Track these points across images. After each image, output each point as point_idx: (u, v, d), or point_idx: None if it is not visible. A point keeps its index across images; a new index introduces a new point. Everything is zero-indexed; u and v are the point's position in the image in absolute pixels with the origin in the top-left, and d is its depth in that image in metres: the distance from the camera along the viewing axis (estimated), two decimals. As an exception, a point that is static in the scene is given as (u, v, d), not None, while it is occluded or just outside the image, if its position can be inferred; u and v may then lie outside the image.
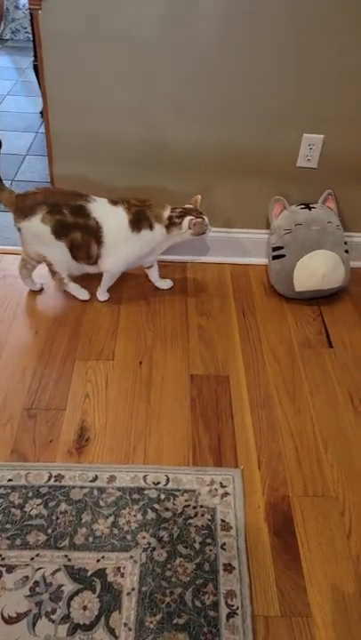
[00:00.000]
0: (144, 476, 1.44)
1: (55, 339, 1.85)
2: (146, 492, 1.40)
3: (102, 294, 2.01)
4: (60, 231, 1.79)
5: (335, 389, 1.73)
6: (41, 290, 2.04)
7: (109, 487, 1.41)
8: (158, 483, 1.42)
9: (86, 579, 1.23)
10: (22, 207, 1.79)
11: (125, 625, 1.16)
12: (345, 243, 2.05)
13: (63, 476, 1.43)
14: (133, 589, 1.22)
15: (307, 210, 2.05)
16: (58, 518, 1.33)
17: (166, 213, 1.85)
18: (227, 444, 1.54)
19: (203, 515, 1.36)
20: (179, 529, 1.33)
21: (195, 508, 1.37)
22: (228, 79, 1.88)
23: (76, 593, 1.21)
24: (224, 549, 1.30)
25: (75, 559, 1.27)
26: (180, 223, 1.84)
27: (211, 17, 1.76)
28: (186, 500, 1.39)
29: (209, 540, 1.31)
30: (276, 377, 1.76)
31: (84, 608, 1.19)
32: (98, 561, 1.27)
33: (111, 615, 1.18)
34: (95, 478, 1.43)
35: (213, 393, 1.70)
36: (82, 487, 1.41)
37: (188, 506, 1.38)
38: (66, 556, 1.27)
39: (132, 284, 2.13)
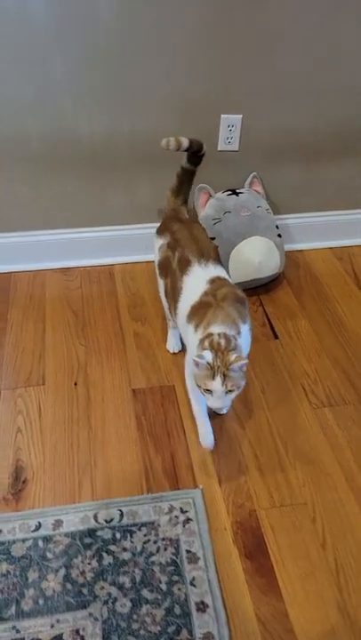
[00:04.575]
0: (94, 515, 1.27)
1: (-25, 369, 1.64)
2: (98, 533, 1.24)
3: None
4: None
5: (287, 384, 1.63)
6: None
7: (56, 534, 1.23)
8: (111, 520, 1.26)
9: (41, 650, 1.06)
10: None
11: None
12: (276, 227, 1.95)
13: (0, 531, 1.24)
14: (98, 653, 1.06)
15: (234, 196, 1.93)
16: (-1, 583, 1.15)
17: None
18: (182, 464, 1.40)
19: (166, 549, 1.22)
20: (141, 571, 1.18)
21: (155, 542, 1.23)
22: (135, 61, 1.71)
23: (31, 670, 1.04)
24: (194, 585, 1.16)
25: (25, 629, 1.09)
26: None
27: (106, -8, 1.58)
28: (145, 535, 1.24)
29: (176, 578, 1.17)
30: (224, 379, 1.63)
31: None
32: (52, 626, 1.09)
33: None
34: (38, 526, 1.25)
35: (160, 407, 1.55)
36: (24, 540, 1.22)
37: (148, 541, 1.23)
38: (14, 627, 1.09)
39: (53, 292, 1.94)
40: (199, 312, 1.30)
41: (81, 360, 1.68)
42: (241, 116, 1.86)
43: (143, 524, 1.26)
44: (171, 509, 1.28)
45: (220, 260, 1.48)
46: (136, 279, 2.02)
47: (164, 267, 1.52)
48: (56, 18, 1.61)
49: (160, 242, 1.57)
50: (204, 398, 1.25)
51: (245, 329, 1.29)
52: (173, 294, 1.44)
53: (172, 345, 1.71)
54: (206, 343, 1.20)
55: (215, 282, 1.35)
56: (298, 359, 1.71)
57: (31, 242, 2.01)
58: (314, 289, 1.99)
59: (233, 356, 1.16)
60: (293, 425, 1.51)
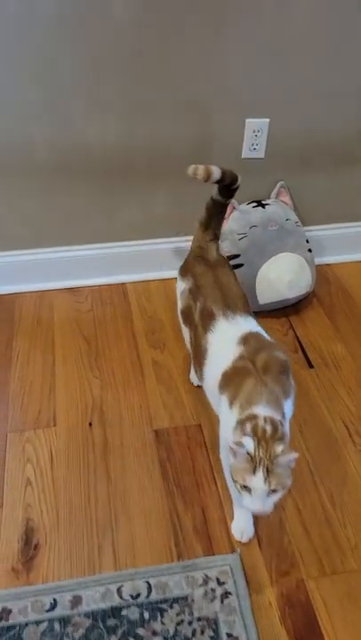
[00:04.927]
0: (118, 589, 1.10)
1: (-23, 408, 1.46)
2: (124, 612, 1.07)
3: None
4: None
5: (327, 420, 1.45)
6: None
7: (75, 614, 1.06)
8: (138, 595, 1.09)
9: None
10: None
11: None
12: (307, 241, 1.77)
13: (10, 611, 1.07)
14: None
15: (260, 208, 1.75)
16: None
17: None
18: (215, 520, 1.23)
19: (203, 631, 1.04)
20: (175, 660, 1.01)
21: (191, 623, 1.05)
22: (150, 62, 1.54)
23: None
24: None
25: None
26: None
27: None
28: (177, 615, 1.06)
29: (217, 669, 1.00)
30: (255, 415, 1.46)
31: None
32: None
33: None
34: (54, 605, 1.08)
35: (187, 450, 1.38)
36: (37, 622, 1.05)
37: (182, 622, 1.06)
38: None
39: (62, 315, 1.77)
40: (234, 381, 1.07)
41: (95, 396, 1.51)
42: (268, 120, 1.68)
43: (175, 600, 1.08)
44: (206, 580, 1.11)
45: (249, 309, 1.24)
46: (152, 299, 1.85)
47: (187, 316, 1.29)
48: (64, 17, 1.43)
49: (182, 285, 1.33)
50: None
51: (288, 405, 1.07)
52: (198, 354, 1.21)
53: (193, 376, 1.53)
54: (248, 427, 0.97)
55: (250, 341, 1.12)
56: (337, 391, 1.53)
57: (37, 260, 1.84)
58: (347, 307, 1.82)
59: (280, 448, 0.94)
60: (338, 472, 1.33)
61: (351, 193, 1.88)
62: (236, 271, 1.68)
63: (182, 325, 1.36)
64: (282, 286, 1.70)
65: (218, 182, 1.30)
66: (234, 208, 1.77)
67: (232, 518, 1.22)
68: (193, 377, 1.53)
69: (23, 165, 1.65)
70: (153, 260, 1.88)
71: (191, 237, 1.43)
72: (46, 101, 1.55)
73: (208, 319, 1.19)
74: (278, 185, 1.80)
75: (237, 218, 1.74)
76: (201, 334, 1.19)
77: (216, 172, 1.27)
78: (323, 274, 1.94)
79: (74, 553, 1.17)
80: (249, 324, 1.17)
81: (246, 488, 0.96)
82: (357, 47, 1.60)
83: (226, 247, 1.74)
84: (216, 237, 1.39)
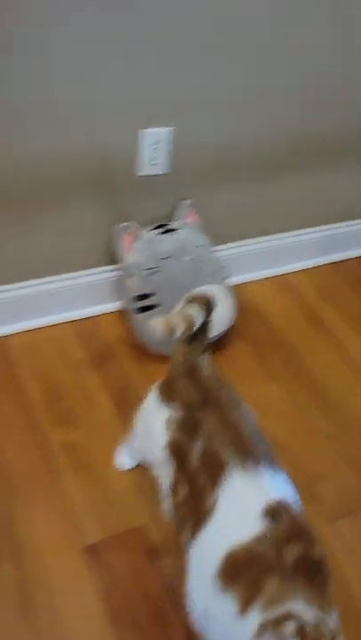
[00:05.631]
0: None
1: None
2: None
3: None
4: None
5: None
6: None
7: None
8: None
9: None
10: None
11: None
12: (221, 267, 1.53)
13: None
14: None
15: (168, 234, 1.46)
16: None
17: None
18: (191, 669, 0.95)
19: None
20: None
21: None
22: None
23: None
24: None
25: None
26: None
27: None
28: None
29: None
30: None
31: None
32: None
33: None
34: None
35: (132, 566, 1.06)
36: None
37: None
38: None
39: None
40: (248, 575, 0.74)
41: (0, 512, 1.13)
42: (171, 128, 1.39)
43: None
44: None
45: (273, 455, 0.90)
46: (43, 354, 1.47)
47: (176, 453, 0.92)
48: None
49: (166, 412, 0.96)
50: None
51: (333, 618, 0.75)
52: (191, 510, 0.86)
53: (123, 459, 1.22)
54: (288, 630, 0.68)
55: (280, 516, 0.78)
56: (280, 443, 1.32)
57: None
58: (271, 337, 1.62)
59: None
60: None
61: (264, 206, 1.67)
62: (148, 313, 1.41)
63: (159, 462, 0.96)
64: (205, 325, 1.44)
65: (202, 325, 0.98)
66: (136, 236, 1.46)
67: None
68: (120, 459, 1.22)
69: None
70: (37, 304, 1.50)
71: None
72: None
73: (215, 469, 0.85)
74: (185, 204, 1.52)
75: (143, 249, 1.44)
76: (203, 487, 0.85)
77: (196, 316, 0.95)
78: (238, 298, 1.72)
79: None
80: (277, 484, 0.85)
81: None
82: (280, 47, 1.37)
83: (133, 285, 1.43)
84: (205, 349, 1.03)
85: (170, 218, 1.53)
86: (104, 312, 1.60)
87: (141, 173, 1.43)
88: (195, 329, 0.97)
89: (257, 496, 0.81)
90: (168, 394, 0.99)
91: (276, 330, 1.64)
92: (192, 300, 0.99)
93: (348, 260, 1.95)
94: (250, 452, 0.85)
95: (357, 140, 1.68)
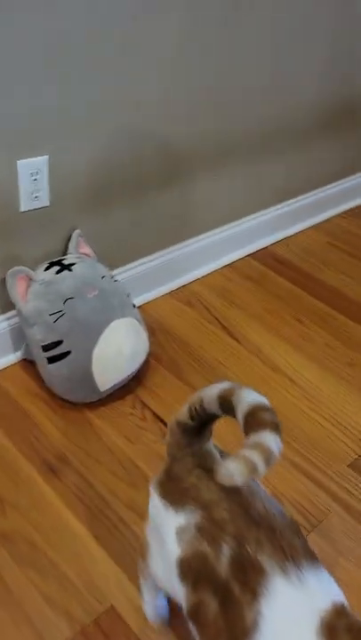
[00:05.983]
0: None
1: None
2: None
3: None
4: None
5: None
6: None
7: None
8: None
9: None
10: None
11: None
12: (128, 295, 1.43)
13: None
14: None
15: (66, 271, 1.32)
16: None
17: None
18: None
19: None
20: None
21: None
22: None
23: None
24: None
25: None
26: None
27: None
28: None
29: None
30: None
31: None
32: None
33: None
34: None
35: (113, 660, 0.95)
36: None
37: None
38: None
39: None
40: None
41: None
42: (47, 157, 1.25)
43: None
44: None
45: (310, 548, 0.74)
46: None
47: (195, 572, 0.73)
48: None
49: (176, 520, 0.77)
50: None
51: None
52: (223, 629, 0.69)
53: (149, 607, 0.97)
54: None
55: (337, 632, 0.63)
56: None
57: None
58: (187, 355, 1.56)
59: None
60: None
61: (154, 221, 1.59)
62: (61, 363, 1.28)
63: (178, 580, 0.76)
64: (123, 361, 1.33)
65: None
66: (30, 280, 1.30)
67: None
68: (150, 611, 0.97)
69: None
70: None
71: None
72: None
73: (253, 575, 0.69)
74: (75, 235, 1.39)
75: (41, 292, 1.29)
76: (241, 599, 0.69)
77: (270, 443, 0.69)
78: (146, 320, 1.63)
79: None
80: (325, 586, 0.70)
81: None
82: (146, 51, 1.28)
83: (39, 335, 1.28)
84: (209, 437, 0.82)
85: (63, 252, 1.40)
86: (4, 366, 1.42)
87: (24, 209, 1.27)
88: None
89: (306, 608, 0.67)
90: (178, 496, 0.78)
91: (192, 345, 1.59)
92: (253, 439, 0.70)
93: (238, 259, 1.95)
94: (289, 552, 0.70)
95: (217, 155, 1.67)
